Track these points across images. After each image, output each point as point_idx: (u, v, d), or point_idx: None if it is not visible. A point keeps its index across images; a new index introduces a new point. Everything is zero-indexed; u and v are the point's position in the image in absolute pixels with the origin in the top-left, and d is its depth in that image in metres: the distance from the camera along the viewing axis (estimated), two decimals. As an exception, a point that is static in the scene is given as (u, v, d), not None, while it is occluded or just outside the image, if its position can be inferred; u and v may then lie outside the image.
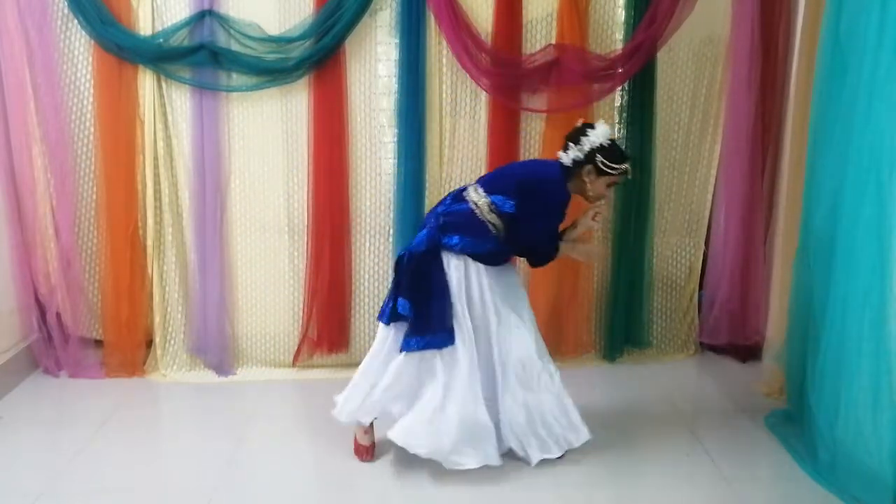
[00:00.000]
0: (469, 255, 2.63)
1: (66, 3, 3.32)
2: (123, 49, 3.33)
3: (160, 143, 3.46)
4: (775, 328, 3.34)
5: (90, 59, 3.40)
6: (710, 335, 3.80)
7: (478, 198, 2.63)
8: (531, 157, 3.61)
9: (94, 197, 3.52)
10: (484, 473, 2.66)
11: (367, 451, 2.77)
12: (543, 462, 2.73)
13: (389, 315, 2.64)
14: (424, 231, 2.64)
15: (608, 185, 2.67)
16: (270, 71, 3.38)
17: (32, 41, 3.29)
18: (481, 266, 2.65)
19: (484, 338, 2.66)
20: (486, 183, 2.68)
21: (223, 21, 3.35)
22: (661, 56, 3.53)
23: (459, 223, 2.61)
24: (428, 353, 2.59)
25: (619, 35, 3.53)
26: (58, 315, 3.51)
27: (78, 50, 3.40)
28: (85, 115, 3.46)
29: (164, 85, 3.42)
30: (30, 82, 3.32)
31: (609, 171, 2.59)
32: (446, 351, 2.59)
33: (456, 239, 2.60)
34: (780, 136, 3.60)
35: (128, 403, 3.30)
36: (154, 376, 3.56)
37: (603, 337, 3.79)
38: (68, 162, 3.44)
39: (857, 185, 2.49)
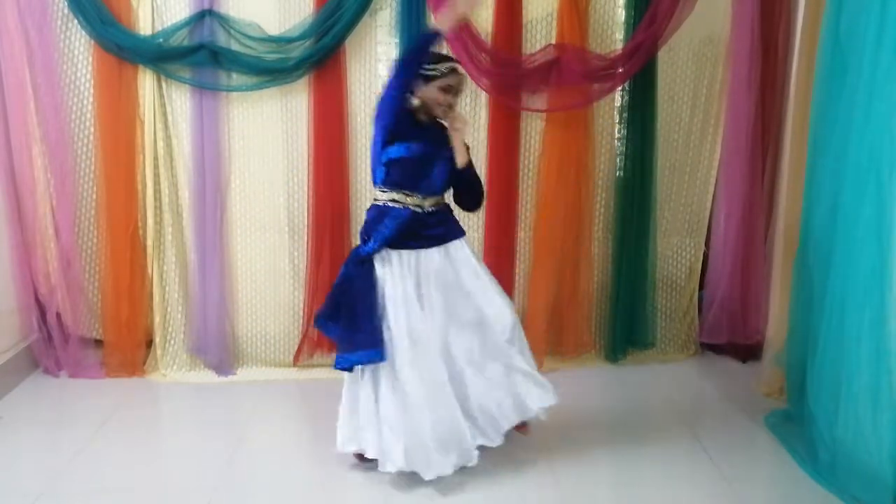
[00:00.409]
0: (393, 247, 2.58)
1: (66, 3, 3.32)
2: (123, 49, 3.33)
3: (160, 143, 3.46)
4: (775, 328, 3.34)
5: (90, 59, 3.40)
6: (710, 335, 3.80)
7: (376, 194, 2.64)
8: (531, 157, 3.61)
9: (94, 197, 3.52)
10: (484, 473, 2.66)
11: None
12: (543, 462, 2.73)
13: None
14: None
15: (442, 91, 2.54)
16: (270, 71, 3.38)
17: (32, 41, 3.29)
18: (417, 256, 2.60)
19: (440, 332, 2.61)
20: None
21: (223, 21, 3.35)
22: (662, 56, 3.53)
23: (369, 222, 2.62)
24: (369, 369, 2.58)
25: (620, 35, 3.54)
26: (58, 315, 3.51)
27: (78, 50, 3.40)
28: (85, 115, 3.46)
29: (164, 85, 3.42)
30: (30, 82, 3.32)
31: (430, 73, 2.52)
32: (389, 363, 2.55)
33: (371, 242, 2.58)
34: (780, 136, 3.60)
35: (128, 403, 3.30)
36: (154, 376, 3.56)
37: (604, 337, 3.79)
38: (68, 162, 3.44)
39: (857, 186, 2.49)
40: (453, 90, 2.58)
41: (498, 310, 2.66)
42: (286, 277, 3.61)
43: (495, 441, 2.68)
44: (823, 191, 2.71)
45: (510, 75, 3.45)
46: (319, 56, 3.37)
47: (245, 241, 3.59)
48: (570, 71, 3.40)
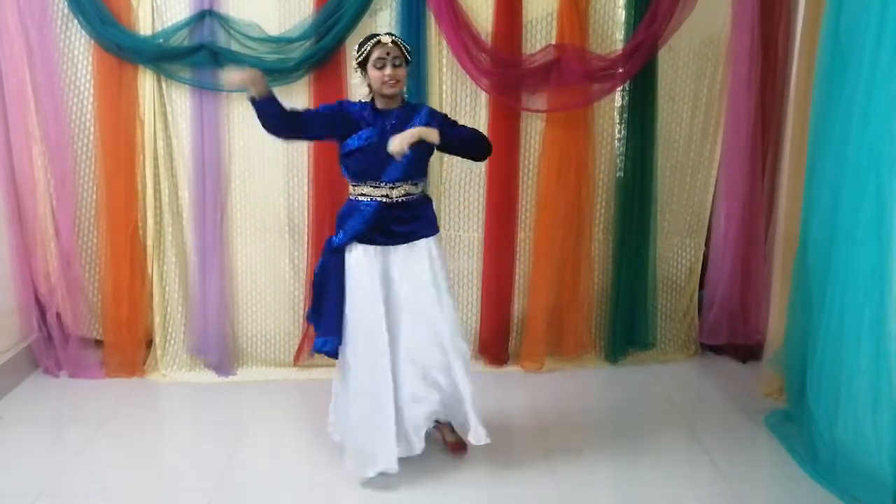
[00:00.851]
0: (361, 240, 2.58)
1: (66, 3, 3.32)
2: (123, 49, 3.33)
3: (160, 143, 3.46)
4: (775, 328, 3.34)
5: (90, 59, 3.40)
6: (710, 335, 3.80)
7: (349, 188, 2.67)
8: (531, 158, 3.61)
9: (94, 197, 3.52)
10: (484, 473, 2.66)
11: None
12: (543, 462, 2.73)
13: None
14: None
15: (377, 68, 2.47)
16: (270, 71, 3.37)
17: (32, 41, 3.29)
18: (384, 251, 2.60)
19: (394, 327, 2.61)
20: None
21: (223, 21, 3.35)
22: (662, 56, 3.53)
23: (341, 215, 2.66)
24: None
25: (620, 35, 3.53)
26: (58, 315, 3.51)
27: (78, 50, 3.41)
28: (85, 115, 3.46)
29: (164, 85, 3.42)
30: (30, 82, 3.32)
31: (359, 57, 2.49)
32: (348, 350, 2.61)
33: (341, 233, 2.61)
34: (780, 136, 3.60)
35: (128, 403, 3.31)
36: (154, 376, 3.56)
37: (604, 337, 3.79)
38: (68, 162, 3.44)
39: (857, 186, 2.49)
40: (388, 61, 2.46)
41: (447, 329, 2.63)
42: (286, 277, 3.61)
43: (416, 448, 2.65)
44: (823, 191, 2.71)
45: (510, 75, 3.45)
46: (319, 56, 3.37)
47: (245, 241, 3.59)
48: (571, 71, 3.40)
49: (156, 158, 3.48)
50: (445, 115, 2.65)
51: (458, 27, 3.35)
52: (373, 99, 2.59)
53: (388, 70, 2.46)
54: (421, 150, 2.52)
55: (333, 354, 2.65)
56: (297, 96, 3.46)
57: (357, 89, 3.45)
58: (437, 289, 2.63)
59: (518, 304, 3.71)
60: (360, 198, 2.59)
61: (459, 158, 3.51)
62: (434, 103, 3.46)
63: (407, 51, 2.52)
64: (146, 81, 3.42)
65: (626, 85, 3.55)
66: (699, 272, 3.83)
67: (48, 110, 3.36)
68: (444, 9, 3.33)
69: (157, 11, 3.38)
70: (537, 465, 2.75)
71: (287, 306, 3.63)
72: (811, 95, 2.87)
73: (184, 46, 3.35)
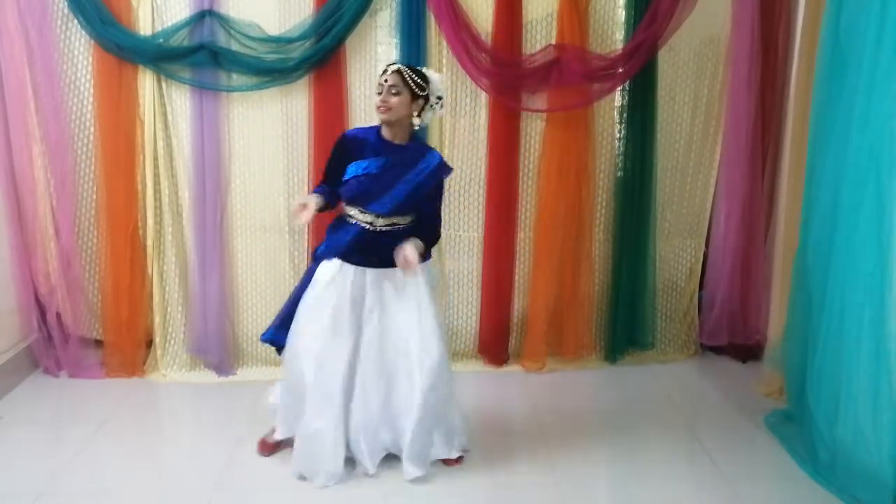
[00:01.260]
0: (341, 257, 2.60)
1: (66, 3, 3.32)
2: (123, 49, 3.33)
3: (160, 143, 3.46)
4: (775, 328, 3.34)
5: (90, 59, 3.40)
6: (710, 336, 3.80)
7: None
8: (531, 158, 3.61)
9: (94, 197, 3.52)
10: (484, 473, 2.66)
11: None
12: (543, 462, 2.73)
13: None
14: None
15: (377, 93, 2.57)
16: (270, 71, 3.38)
17: (32, 41, 3.29)
18: (362, 272, 2.61)
19: (356, 350, 2.62)
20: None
21: (223, 21, 3.35)
22: (662, 56, 3.53)
23: (329, 228, 2.69)
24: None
25: (620, 35, 3.54)
26: (58, 315, 3.51)
27: (78, 50, 3.40)
28: (85, 115, 3.46)
29: (164, 85, 3.42)
30: (30, 82, 3.32)
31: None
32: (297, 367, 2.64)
33: (323, 245, 2.66)
34: (780, 136, 3.61)
35: (128, 403, 3.30)
36: (154, 376, 3.56)
37: (604, 338, 3.79)
38: (68, 162, 3.44)
39: (857, 186, 2.49)
40: (384, 88, 2.54)
41: (430, 356, 2.60)
42: (286, 277, 3.61)
43: (369, 469, 2.65)
44: (823, 191, 2.71)
45: (510, 75, 3.46)
46: (319, 56, 3.37)
47: (245, 241, 3.59)
48: (571, 71, 3.40)
49: (156, 158, 3.48)
50: (442, 181, 2.67)
51: (458, 27, 3.35)
52: (380, 126, 2.62)
53: (381, 96, 2.55)
54: (414, 197, 2.58)
55: (279, 346, 2.74)
56: (297, 96, 3.46)
57: (356, 90, 3.50)
58: (419, 316, 2.61)
59: (518, 304, 3.71)
60: (348, 217, 2.64)
61: (459, 159, 3.57)
62: (434, 103, 3.47)
63: (413, 81, 2.55)
64: (146, 81, 3.41)
65: (626, 85, 3.55)
66: (699, 272, 3.83)
67: (48, 110, 3.36)
68: (444, 9, 3.33)
69: (157, 11, 3.38)
70: (537, 465, 2.75)
71: (287, 306, 3.63)
72: (811, 95, 2.87)
73: (184, 46, 3.35)
